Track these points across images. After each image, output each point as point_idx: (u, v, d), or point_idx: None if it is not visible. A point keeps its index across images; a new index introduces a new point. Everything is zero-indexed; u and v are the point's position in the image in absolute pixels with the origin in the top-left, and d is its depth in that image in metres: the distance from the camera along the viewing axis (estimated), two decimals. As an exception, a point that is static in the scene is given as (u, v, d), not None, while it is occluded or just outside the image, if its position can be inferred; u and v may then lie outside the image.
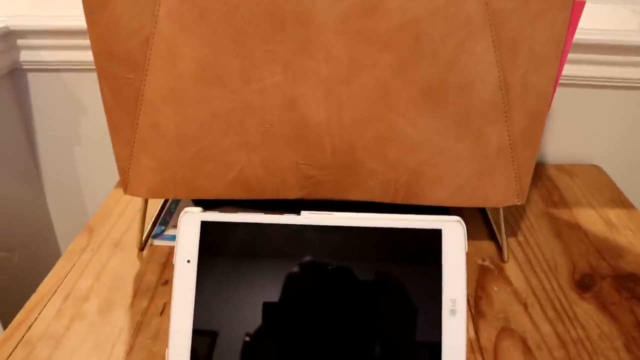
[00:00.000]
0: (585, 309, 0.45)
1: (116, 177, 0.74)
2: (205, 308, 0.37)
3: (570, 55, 0.64)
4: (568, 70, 0.65)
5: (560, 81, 0.65)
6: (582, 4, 0.41)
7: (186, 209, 0.38)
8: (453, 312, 0.37)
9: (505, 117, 0.41)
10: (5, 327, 0.63)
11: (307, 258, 0.38)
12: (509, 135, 0.42)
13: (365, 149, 0.43)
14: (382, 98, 0.41)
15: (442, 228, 0.38)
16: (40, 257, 0.75)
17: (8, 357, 0.39)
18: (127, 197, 0.59)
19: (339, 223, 0.38)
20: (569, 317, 0.44)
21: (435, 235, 0.38)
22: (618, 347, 0.41)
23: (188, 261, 0.38)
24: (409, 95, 0.40)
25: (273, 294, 0.37)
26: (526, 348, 0.41)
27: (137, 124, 0.43)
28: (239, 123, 0.42)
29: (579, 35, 0.61)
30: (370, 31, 0.38)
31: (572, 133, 0.70)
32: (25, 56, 0.65)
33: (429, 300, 0.37)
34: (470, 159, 0.43)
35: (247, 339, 0.37)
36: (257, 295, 0.37)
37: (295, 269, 0.38)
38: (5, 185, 0.67)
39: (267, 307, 0.37)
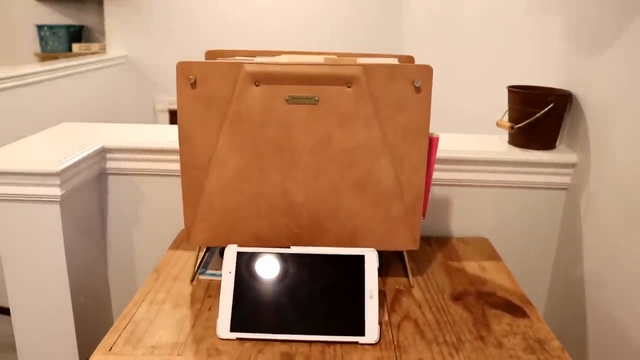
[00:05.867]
0: (455, 309, 0.77)
1: (162, 248, 1.07)
2: (239, 294, 0.70)
3: (467, 166, 1.01)
4: (464, 175, 1.02)
5: (460, 183, 1.02)
6: (437, 139, 0.78)
7: (229, 245, 0.72)
8: (371, 297, 0.70)
9: (400, 198, 0.77)
10: (81, 348, 0.96)
11: (294, 269, 0.71)
12: (404, 208, 0.78)
13: (325, 217, 0.78)
14: (333, 189, 0.76)
15: (364, 254, 0.72)
16: (98, 303, 1.05)
17: (125, 328, 0.70)
18: (177, 255, 0.92)
19: (311, 252, 0.72)
20: (444, 311, 0.76)
21: (361, 258, 0.72)
22: (469, 325, 0.73)
23: (230, 272, 0.71)
24: (347, 188, 0.76)
25: (276, 285, 0.70)
26: (417, 324, 0.73)
27: (199, 202, 0.77)
28: (257, 203, 0.77)
29: (472, 155, 0.99)
30: (326, 154, 0.75)
31: (470, 217, 1.05)
32: (109, 165, 1.01)
33: (358, 291, 0.70)
34: (383, 222, 0.78)
35: (262, 307, 0.69)
36: (268, 285, 0.70)
37: (288, 274, 0.71)
38: (81, 250, 0.99)
39: (273, 291, 0.70)
